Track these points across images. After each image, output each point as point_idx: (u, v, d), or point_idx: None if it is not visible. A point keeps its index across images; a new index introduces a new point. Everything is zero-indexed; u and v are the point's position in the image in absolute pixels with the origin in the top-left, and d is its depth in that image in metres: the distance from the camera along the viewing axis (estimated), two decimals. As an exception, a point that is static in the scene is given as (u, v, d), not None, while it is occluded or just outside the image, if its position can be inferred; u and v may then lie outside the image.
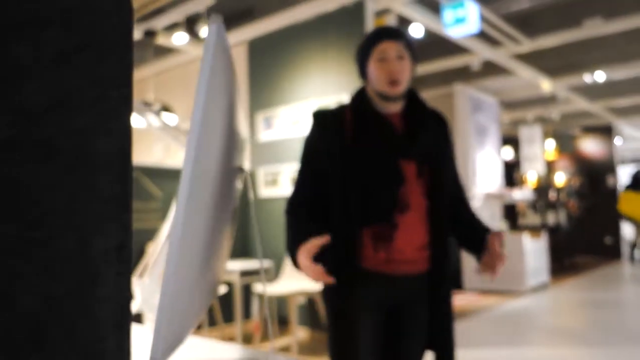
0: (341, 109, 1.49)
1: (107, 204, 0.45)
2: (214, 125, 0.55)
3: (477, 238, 1.47)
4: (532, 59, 6.39)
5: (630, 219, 10.14)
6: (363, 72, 1.51)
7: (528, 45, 5.60)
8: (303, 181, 1.46)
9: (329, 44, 4.34)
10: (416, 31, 4.86)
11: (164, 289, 0.51)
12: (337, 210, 1.39)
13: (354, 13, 4.15)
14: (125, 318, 0.46)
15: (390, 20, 4.24)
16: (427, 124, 1.49)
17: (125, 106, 0.46)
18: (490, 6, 4.81)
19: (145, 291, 1.02)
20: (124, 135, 0.46)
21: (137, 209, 4.10)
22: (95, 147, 0.44)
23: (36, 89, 0.41)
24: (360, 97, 1.50)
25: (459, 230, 1.54)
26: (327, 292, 1.43)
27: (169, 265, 0.50)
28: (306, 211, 1.42)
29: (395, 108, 1.48)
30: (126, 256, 0.46)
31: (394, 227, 1.37)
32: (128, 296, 0.46)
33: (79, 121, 0.43)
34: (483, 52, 5.61)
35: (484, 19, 4.83)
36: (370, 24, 4.07)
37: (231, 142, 0.67)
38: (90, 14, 0.44)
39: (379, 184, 1.39)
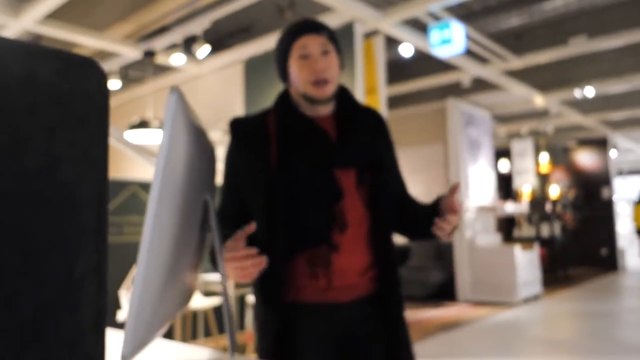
0: (264, 116, 1.29)
1: (88, 235, 0.61)
2: (176, 170, 0.71)
3: (427, 211, 1.27)
4: (523, 75, 6.57)
5: None
6: (284, 74, 1.29)
7: (516, 62, 5.77)
8: (226, 201, 1.29)
9: (321, 63, 4.51)
10: (405, 50, 5.03)
11: (132, 299, 0.66)
12: (264, 235, 1.18)
13: (344, 34, 4.32)
14: (101, 320, 0.61)
15: (379, 42, 4.42)
16: (362, 124, 1.31)
17: (102, 161, 0.62)
18: (477, 25, 4.99)
19: (131, 302, 1.16)
20: (101, 183, 0.61)
21: (135, 222, 4.25)
22: (78, 194, 0.60)
23: (34, 154, 0.57)
24: (284, 102, 1.29)
25: (407, 221, 1.34)
26: (259, 331, 1.23)
27: (136, 280, 0.65)
28: (232, 227, 1.21)
29: (325, 111, 1.28)
30: (102, 274, 0.62)
31: (332, 249, 1.19)
32: (104, 304, 0.62)
33: (65, 176, 0.58)
34: (473, 70, 5.79)
35: (471, 39, 5.01)
36: (359, 45, 4.25)
37: (193, 179, 0.82)
38: (77, 98, 0.60)
39: (312, 200, 1.19)
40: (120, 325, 1.24)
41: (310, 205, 1.19)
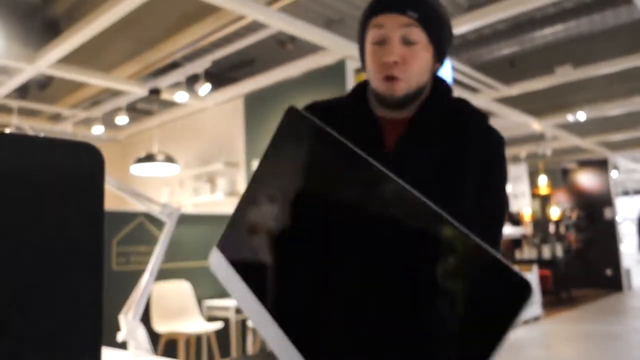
0: (336, 103, 1.07)
1: (89, 274, 0.84)
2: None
3: None
4: (516, 101, 6.79)
5: None
6: (363, 59, 1.03)
7: (506, 91, 6.01)
8: None
9: (315, 97, 4.77)
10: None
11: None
12: None
13: (336, 70, 4.60)
14: (98, 340, 0.84)
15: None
16: (434, 137, 0.98)
17: (99, 219, 0.85)
18: (472, 53, 5.20)
19: (129, 325, 1.38)
20: (99, 235, 0.85)
21: (142, 251, 4.48)
22: (82, 244, 0.83)
23: (51, 216, 0.80)
24: (356, 92, 1.06)
25: None
26: None
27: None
28: None
29: (402, 113, 1.00)
30: (99, 304, 0.84)
31: None
32: (100, 327, 0.84)
33: (73, 231, 0.82)
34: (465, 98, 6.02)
35: (459, 71, 5.26)
36: (350, 80, 4.52)
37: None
38: (83, 175, 0.84)
39: None
40: (119, 345, 1.46)
41: None
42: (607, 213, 10.98)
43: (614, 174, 11.31)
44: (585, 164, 11.19)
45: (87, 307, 0.82)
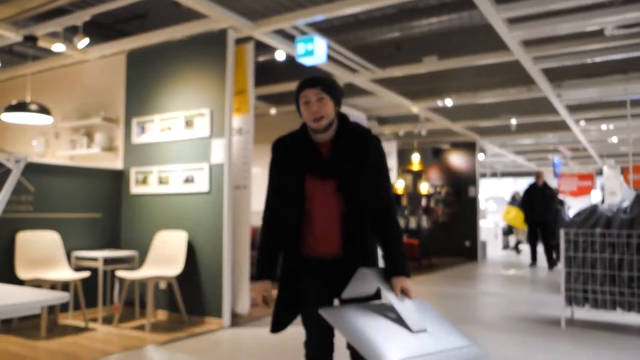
0: (294, 136, 2.02)
1: None
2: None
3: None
4: (396, 83, 7.35)
5: (511, 226, 13.19)
6: (299, 110, 1.95)
7: (380, 73, 6.54)
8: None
9: (197, 62, 4.95)
10: (279, 55, 5.61)
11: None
12: None
13: (218, 39, 4.80)
14: None
15: (250, 48, 4.94)
16: (348, 146, 1.89)
17: None
18: (358, 34, 5.50)
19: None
20: None
21: (9, 200, 4.46)
22: None
23: None
24: (303, 130, 1.99)
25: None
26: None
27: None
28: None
29: (325, 137, 1.94)
30: None
31: None
32: None
33: None
34: (343, 77, 6.49)
35: (336, 51, 5.68)
36: (231, 50, 4.75)
37: None
38: None
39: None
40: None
41: None
42: (471, 191, 12.26)
43: (480, 156, 12.61)
44: (456, 145, 12.33)
45: None
